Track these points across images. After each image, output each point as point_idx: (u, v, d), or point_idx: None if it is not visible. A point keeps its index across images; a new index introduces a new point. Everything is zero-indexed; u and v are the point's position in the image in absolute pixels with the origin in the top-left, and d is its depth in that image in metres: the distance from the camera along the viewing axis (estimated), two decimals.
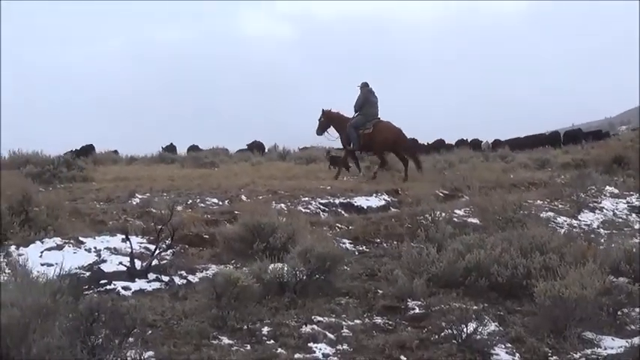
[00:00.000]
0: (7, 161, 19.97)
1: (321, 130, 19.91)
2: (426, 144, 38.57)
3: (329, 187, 15.11)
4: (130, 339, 5.74)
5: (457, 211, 12.74)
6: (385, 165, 19.04)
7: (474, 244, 8.73)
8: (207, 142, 34.24)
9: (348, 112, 19.48)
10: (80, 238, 9.24)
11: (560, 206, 14.03)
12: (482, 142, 40.23)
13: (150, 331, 6.38)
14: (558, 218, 12.96)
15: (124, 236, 9.24)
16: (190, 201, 13.07)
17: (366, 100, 18.86)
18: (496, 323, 7.07)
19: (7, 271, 7.30)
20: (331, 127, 19.75)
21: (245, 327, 6.63)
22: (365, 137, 18.58)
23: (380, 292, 8.04)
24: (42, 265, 8.06)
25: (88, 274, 8.17)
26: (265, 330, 6.62)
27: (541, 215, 12.45)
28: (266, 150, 34.18)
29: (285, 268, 7.83)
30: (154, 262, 8.51)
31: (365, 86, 19.03)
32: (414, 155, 19.30)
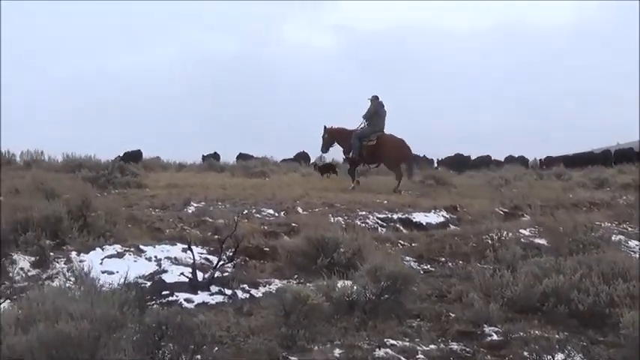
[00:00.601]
0: (60, 165, 20.06)
1: (326, 147, 20.63)
2: (469, 157, 38.30)
3: (385, 202, 14.79)
4: (198, 356, 5.46)
5: (522, 231, 12.29)
6: (401, 175, 19.23)
7: (550, 267, 8.29)
8: (254, 150, 34.28)
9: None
10: (140, 247, 9.05)
11: (629, 229, 13.48)
12: (528, 159, 39.76)
13: (216, 348, 6.08)
14: (630, 242, 12.38)
15: (184, 246, 9.03)
16: (246, 211, 12.80)
17: (376, 112, 19.43)
18: (580, 355, 6.62)
19: (70, 278, 7.08)
20: (335, 142, 20.35)
21: (316, 348, 6.29)
22: (368, 149, 19.16)
23: (452, 315, 7.63)
24: (103, 272, 7.90)
25: (149, 284, 7.95)
26: (337, 352, 6.27)
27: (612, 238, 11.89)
28: (312, 161, 34.01)
29: (355, 287, 7.49)
30: (216, 274, 8.25)
31: (375, 99, 19.56)
32: (410, 166, 19.95)
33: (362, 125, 19.58)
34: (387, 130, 19.59)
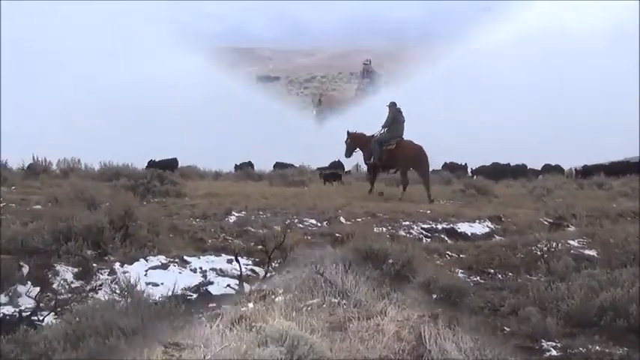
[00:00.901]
0: (97, 173, 20.09)
1: (349, 152, 20.90)
2: (508, 165, 37.92)
3: (429, 212, 14.52)
4: None
5: (571, 242, 11.91)
6: (407, 185, 19.38)
7: (605, 280, 7.95)
8: (289, 159, 34.27)
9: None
10: (185, 258, 8.85)
11: None
12: (563, 168, 39.32)
13: None
14: None
15: (228, 257, 8.87)
16: (288, 221, 12.59)
17: (395, 118, 19.69)
18: None
19: (116, 290, 6.89)
20: (357, 147, 20.67)
21: None
22: (387, 153, 19.46)
23: (508, 329, 7.33)
24: (147, 284, 7.69)
25: (195, 296, 7.76)
26: None
27: None
28: (346, 169, 33.89)
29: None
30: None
31: (393, 106, 19.88)
32: (426, 176, 19.75)
33: (381, 132, 19.90)
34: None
